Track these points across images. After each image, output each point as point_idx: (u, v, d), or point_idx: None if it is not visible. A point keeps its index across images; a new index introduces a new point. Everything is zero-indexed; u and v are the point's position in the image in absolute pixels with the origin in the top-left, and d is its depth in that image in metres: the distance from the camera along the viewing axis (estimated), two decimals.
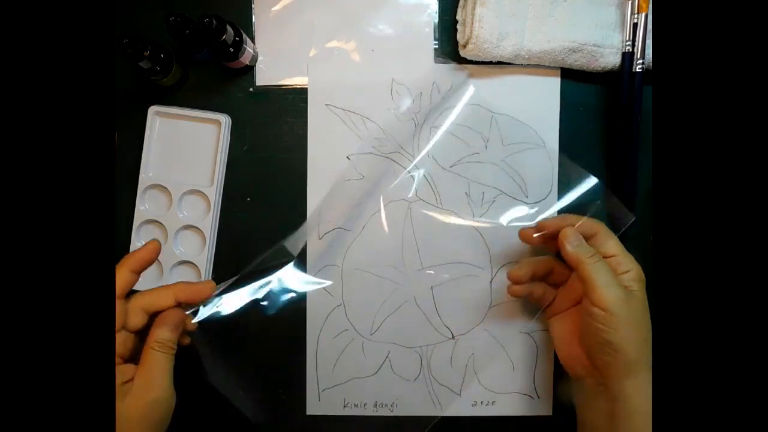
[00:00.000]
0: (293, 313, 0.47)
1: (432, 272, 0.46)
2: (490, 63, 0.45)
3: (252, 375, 0.48)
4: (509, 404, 0.47)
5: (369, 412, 0.47)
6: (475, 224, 0.46)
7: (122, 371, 0.35)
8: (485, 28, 0.43)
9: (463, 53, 0.45)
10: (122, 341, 0.36)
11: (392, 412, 0.47)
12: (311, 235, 0.47)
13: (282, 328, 0.48)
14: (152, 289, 0.38)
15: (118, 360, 0.35)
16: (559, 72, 0.46)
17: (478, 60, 0.45)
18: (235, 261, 0.48)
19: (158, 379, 0.35)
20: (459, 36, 0.45)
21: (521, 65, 0.46)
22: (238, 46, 0.43)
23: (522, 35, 0.43)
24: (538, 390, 0.47)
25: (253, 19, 0.48)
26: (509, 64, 0.45)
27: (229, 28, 0.41)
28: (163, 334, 0.36)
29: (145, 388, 0.34)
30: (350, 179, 0.47)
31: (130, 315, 0.36)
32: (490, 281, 0.46)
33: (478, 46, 0.43)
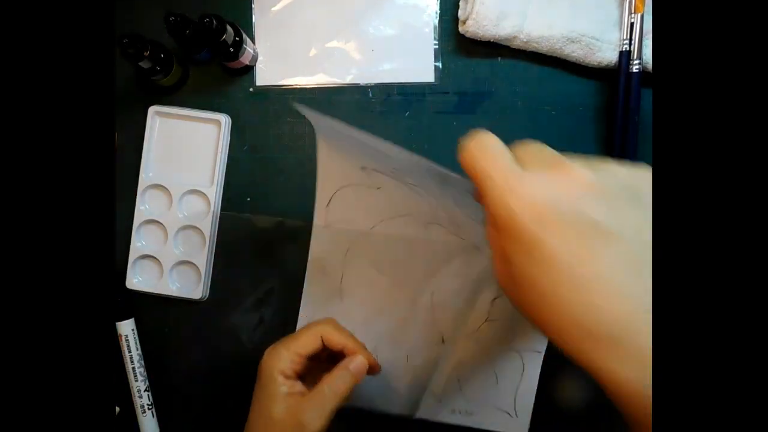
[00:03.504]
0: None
1: (436, 280, 0.45)
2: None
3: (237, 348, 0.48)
4: (487, 418, 0.46)
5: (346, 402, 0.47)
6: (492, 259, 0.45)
7: (288, 383, 0.36)
8: (486, 4, 0.43)
9: (462, 29, 0.45)
10: (290, 359, 0.37)
11: (370, 406, 0.47)
12: (318, 223, 0.46)
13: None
14: (341, 329, 0.39)
15: (284, 375, 0.36)
16: None
17: (476, 39, 0.45)
18: (235, 261, 0.48)
19: (317, 416, 0.35)
20: (460, 12, 0.45)
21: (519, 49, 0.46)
22: (238, 46, 0.43)
23: (523, 17, 0.43)
24: (518, 409, 0.46)
25: (253, 19, 0.48)
26: (507, 47, 0.46)
27: (229, 28, 0.41)
28: (344, 382, 0.37)
29: (302, 413, 0.35)
30: (364, 185, 0.45)
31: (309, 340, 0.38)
32: (493, 300, 0.45)
33: (478, 22, 0.43)
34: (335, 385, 0.36)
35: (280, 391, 0.36)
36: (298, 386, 0.37)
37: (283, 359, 0.36)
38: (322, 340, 0.38)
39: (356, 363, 0.37)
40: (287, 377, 0.36)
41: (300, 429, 0.35)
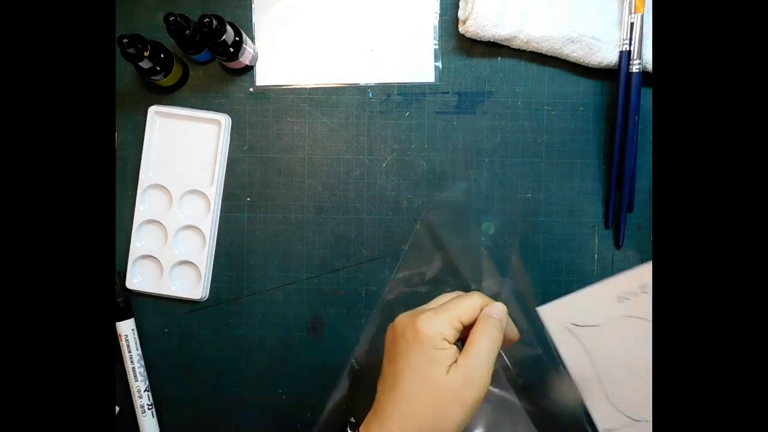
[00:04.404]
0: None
1: None
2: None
3: None
4: None
5: None
6: None
7: (452, 349, 0.35)
8: (486, 4, 0.43)
9: (462, 29, 0.45)
10: (454, 326, 0.36)
11: None
12: None
13: None
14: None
15: (447, 341, 0.35)
16: None
17: (476, 39, 0.45)
18: (236, 261, 0.48)
19: (486, 367, 0.34)
20: (460, 12, 0.45)
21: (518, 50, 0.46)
22: (238, 46, 0.43)
23: (523, 17, 0.44)
24: None
25: (253, 19, 0.48)
26: (507, 47, 0.46)
27: (229, 28, 0.41)
28: (497, 328, 0.36)
29: (470, 370, 0.34)
30: None
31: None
32: None
33: (478, 22, 0.43)
34: (491, 334, 0.35)
35: (446, 356, 0.35)
36: (456, 350, 0.36)
37: (446, 326, 0.35)
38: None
39: (497, 309, 0.37)
40: (450, 343, 0.35)
41: (470, 385, 0.34)
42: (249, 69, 0.48)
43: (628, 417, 0.43)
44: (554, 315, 0.43)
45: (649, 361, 0.40)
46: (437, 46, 0.47)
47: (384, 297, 0.48)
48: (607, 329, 0.43)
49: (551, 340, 0.43)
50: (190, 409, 0.49)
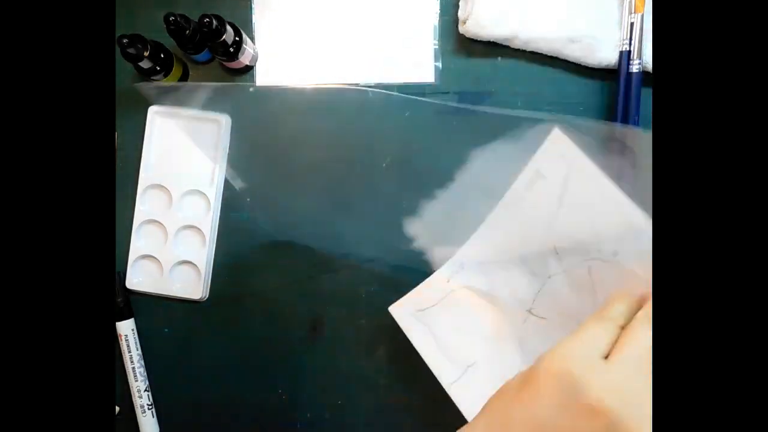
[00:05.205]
0: None
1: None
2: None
3: None
4: None
5: None
6: None
7: None
8: (486, 4, 0.43)
9: (462, 29, 0.45)
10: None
11: None
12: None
13: None
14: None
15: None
16: None
17: (476, 39, 0.45)
18: (236, 261, 0.48)
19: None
20: (460, 12, 0.45)
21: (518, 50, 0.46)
22: (238, 46, 0.43)
23: (523, 17, 0.44)
24: None
25: (253, 19, 0.48)
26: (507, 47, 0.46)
27: (229, 28, 0.41)
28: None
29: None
30: None
31: None
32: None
33: (478, 22, 0.43)
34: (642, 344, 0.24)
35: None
36: None
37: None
38: None
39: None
40: None
41: None
42: (249, 69, 0.48)
43: (463, 364, 0.44)
44: (403, 310, 0.44)
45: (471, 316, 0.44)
46: (437, 46, 0.47)
47: None
48: (442, 306, 0.44)
49: (406, 337, 0.44)
50: (190, 409, 0.49)
